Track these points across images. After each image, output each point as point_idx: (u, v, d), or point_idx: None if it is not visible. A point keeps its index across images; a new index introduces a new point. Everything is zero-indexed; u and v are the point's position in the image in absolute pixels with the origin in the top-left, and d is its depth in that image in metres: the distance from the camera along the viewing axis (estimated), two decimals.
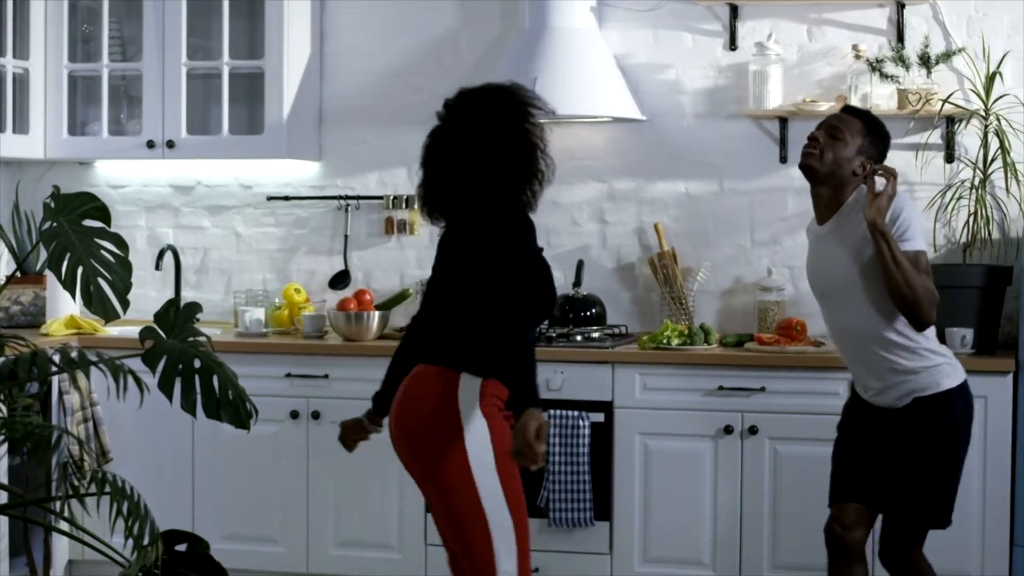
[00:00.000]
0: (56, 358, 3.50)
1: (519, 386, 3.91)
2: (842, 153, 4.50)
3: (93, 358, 3.43)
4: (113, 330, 6.21)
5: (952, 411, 4.51)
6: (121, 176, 6.80)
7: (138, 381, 3.48)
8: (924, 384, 4.48)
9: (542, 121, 4.14)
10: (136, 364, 3.55)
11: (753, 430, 5.53)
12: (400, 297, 6.32)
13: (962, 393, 4.55)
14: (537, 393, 3.91)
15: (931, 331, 4.52)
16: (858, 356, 4.56)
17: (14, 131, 6.36)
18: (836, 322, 4.60)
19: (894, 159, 5.91)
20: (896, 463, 4.54)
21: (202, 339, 3.75)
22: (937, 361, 4.51)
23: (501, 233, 4.01)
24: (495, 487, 3.99)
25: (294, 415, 5.91)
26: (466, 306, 4.06)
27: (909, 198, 4.59)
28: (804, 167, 4.54)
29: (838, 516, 4.63)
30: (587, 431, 5.60)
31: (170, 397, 3.59)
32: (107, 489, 3.14)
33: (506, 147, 4.06)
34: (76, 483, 3.30)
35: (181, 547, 3.59)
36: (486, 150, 4.05)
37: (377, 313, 6.08)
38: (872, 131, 4.56)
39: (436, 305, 4.21)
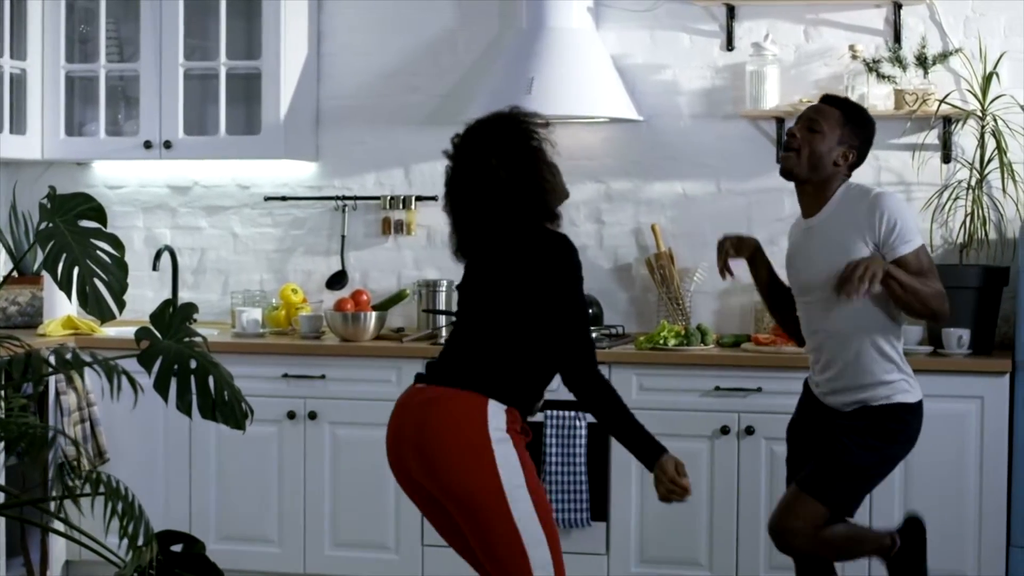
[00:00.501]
0: (51, 359, 3.49)
1: (639, 441, 4.05)
2: (821, 147, 4.44)
3: (87, 359, 3.43)
4: (110, 330, 6.21)
5: (895, 420, 4.46)
6: (118, 177, 6.80)
7: (132, 381, 3.48)
8: (878, 396, 4.46)
9: (545, 139, 4.11)
10: (133, 365, 3.55)
11: (750, 430, 5.54)
12: (397, 298, 6.32)
13: (914, 411, 4.51)
14: (655, 440, 4.05)
15: (901, 348, 4.53)
16: (829, 356, 4.51)
17: (11, 131, 6.36)
18: (816, 320, 4.54)
19: (891, 160, 5.96)
20: (825, 443, 4.49)
21: (198, 339, 3.75)
22: (898, 377, 4.49)
23: (557, 261, 4.04)
24: (527, 506, 3.96)
25: (291, 415, 5.91)
26: (507, 334, 4.06)
27: (894, 195, 4.49)
28: (784, 173, 4.53)
29: None
30: (584, 432, 5.61)
31: (165, 398, 3.59)
32: (101, 490, 3.14)
33: (521, 169, 4.04)
34: (70, 483, 3.30)
35: (177, 547, 3.60)
36: (502, 177, 4.04)
37: (374, 314, 6.09)
38: (852, 119, 4.50)
39: (469, 331, 4.16)
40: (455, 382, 4.04)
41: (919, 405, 4.52)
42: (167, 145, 6.33)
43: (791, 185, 5.97)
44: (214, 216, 6.71)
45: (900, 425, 4.47)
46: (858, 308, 4.40)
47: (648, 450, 4.03)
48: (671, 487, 3.98)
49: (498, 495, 3.93)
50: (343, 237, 6.54)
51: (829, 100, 4.59)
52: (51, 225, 3.73)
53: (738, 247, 4.76)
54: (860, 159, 4.54)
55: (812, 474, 4.47)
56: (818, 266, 4.48)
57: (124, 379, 3.78)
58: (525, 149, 4.07)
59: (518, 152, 4.06)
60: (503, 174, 4.04)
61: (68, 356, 3.45)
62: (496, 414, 3.97)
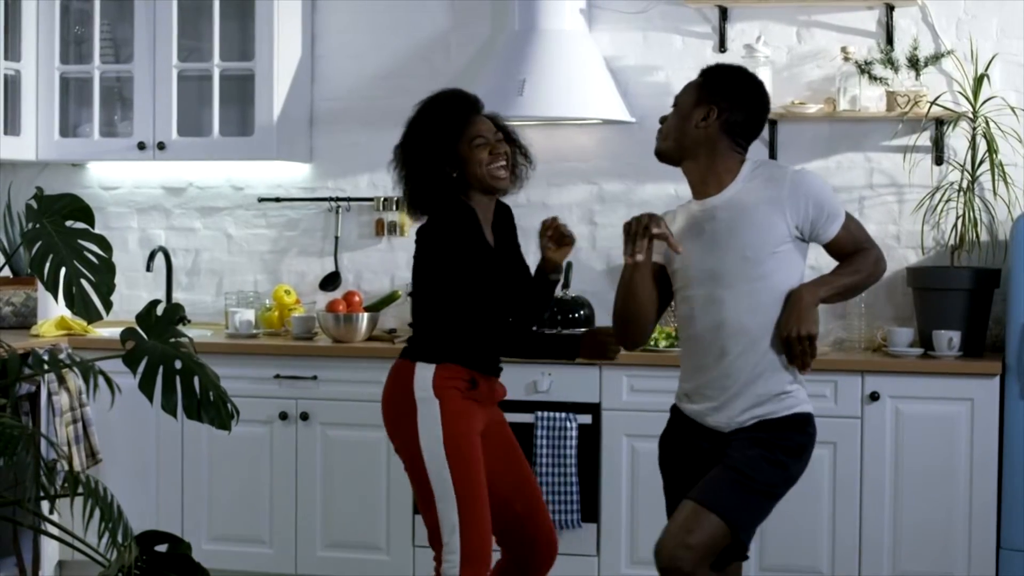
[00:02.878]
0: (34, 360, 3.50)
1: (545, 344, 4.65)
2: (676, 118, 4.04)
3: (64, 360, 3.44)
4: (104, 331, 6.22)
5: (799, 431, 3.97)
6: (113, 178, 6.81)
7: (109, 382, 3.49)
8: (774, 408, 3.95)
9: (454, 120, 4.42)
10: (120, 365, 3.57)
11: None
12: (389, 299, 6.32)
13: (812, 422, 4.02)
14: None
15: None
16: (718, 361, 3.95)
17: (6, 133, 6.37)
18: (705, 315, 3.97)
19: (883, 161, 5.97)
20: (726, 457, 3.92)
21: (184, 340, 3.76)
22: (796, 387, 3.99)
23: (430, 226, 4.38)
24: (441, 463, 4.28)
25: (283, 416, 5.92)
26: (417, 300, 4.46)
27: (813, 173, 4.05)
28: (656, 155, 4.12)
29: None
30: (574, 433, 5.61)
31: (151, 398, 3.60)
32: (80, 490, 3.15)
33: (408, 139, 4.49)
34: (46, 484, 3.30)
35: (162, 548, 3.61)
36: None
37: (366, 315, 6.09)
38: (708, 80, 4.06)
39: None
40: (402, 354, 4.46)
41: (813, 416, 4.05)
42: (161, 146, 6.34)
43: None
44: (208, 217, 6.72)
45: (805, 439, 4.00)
46: (772, 297, 3.93)
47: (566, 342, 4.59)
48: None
49: (415, 451, 4.31)
50: (336, 238, 6.55)
51: (700, 72, 4.17)
52: (38, 226, 3.74)
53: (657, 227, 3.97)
54: (736, 119, 4.02)
55: (713, 486, 3.88)
56: (724, 249, 3.95)
57: (113, 380, 3.79)
58: (420, 131, 4.44)
59: (417, 134, 4.45)
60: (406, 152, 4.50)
61: (45, 357, 3.46)
62: (422, 375, 4.33)
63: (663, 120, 4.13)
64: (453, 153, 4.36)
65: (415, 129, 4.44)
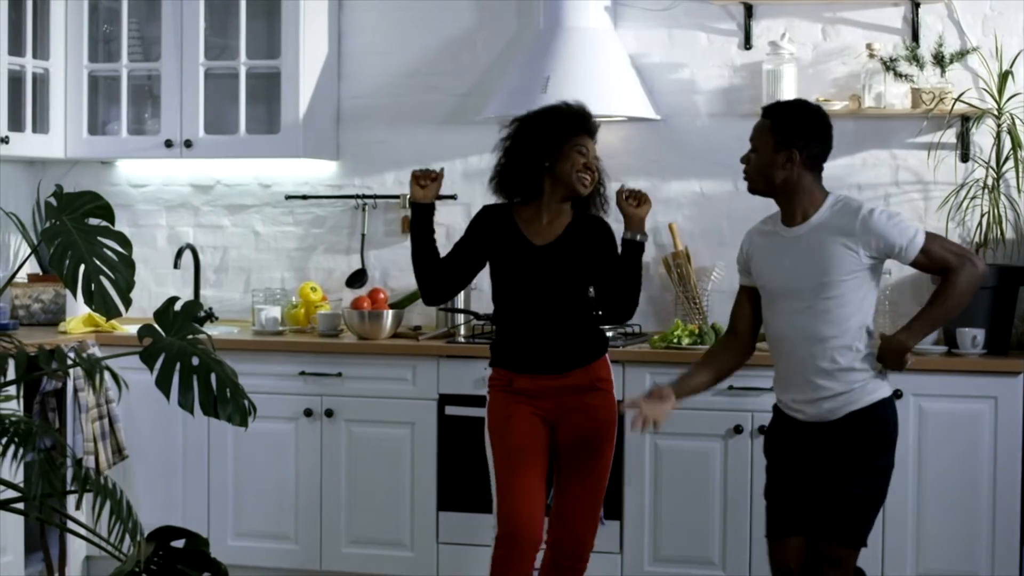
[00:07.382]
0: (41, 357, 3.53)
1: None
2: (760, 161, 4.45)
3: (72, 356, 3.46)
4: (132, 328, 6.24)
5: (886, 423, 4.45)
6: (142, 175, 6.85)
7: (116, 378, 3.51)
8: (857, 397, 4.40)
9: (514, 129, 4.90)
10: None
11: (763, 430, 5.51)
12: (414, 296, 6.32)
13: (893, 406, 4.49)
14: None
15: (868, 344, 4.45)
16: (802, 362, 4.45)
17: (34, 131, 6.41)
18: (788, 324, 4.48)
19: (909, 159, 5.96)
20: (826, 478, 4.43)
21: (202, 336, 3.78)
22: (871, 373, 4.42)
23: None
24: (489, 450, 4.86)
25: (308, 413, 5.94)
26: None
27: (879, 211, 4.40)
28: (749, 192, 4.56)
29: (784, 552, 4.55)
30: None
31: (167, 394, 3.63)
32: (89, 487, 3.17)
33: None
34: (51, 480, 3.32)
35: (178, 543, 3.63)
36: None
37: (391, 312, 6.10)
38: (779, 123, 4.44)
39: None
40: None
41: (893, 397, 4.51)
42: (188, 144, 6.37)
43: None
44: (236, 215, 6.76)
45: (889, 432, 4.47)
46: (845, 312, 4.39)
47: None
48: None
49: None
50: (363, 236, 6.57)
51: (763, 111, 4.55)
52: (57, 223, 3.77)
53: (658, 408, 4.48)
54: (814, 153, 4.45)
55: (835, 522, 4.42)
56: (802, 271, 4.42)
57: (132, 377, 3.82)
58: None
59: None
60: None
61: (53, 353, 3.48)
62: (487, 376, 4.97)
63: (744, 160, 4.51)
64: (557, 148, 4.79)
65: (535, 118, 4.85)
